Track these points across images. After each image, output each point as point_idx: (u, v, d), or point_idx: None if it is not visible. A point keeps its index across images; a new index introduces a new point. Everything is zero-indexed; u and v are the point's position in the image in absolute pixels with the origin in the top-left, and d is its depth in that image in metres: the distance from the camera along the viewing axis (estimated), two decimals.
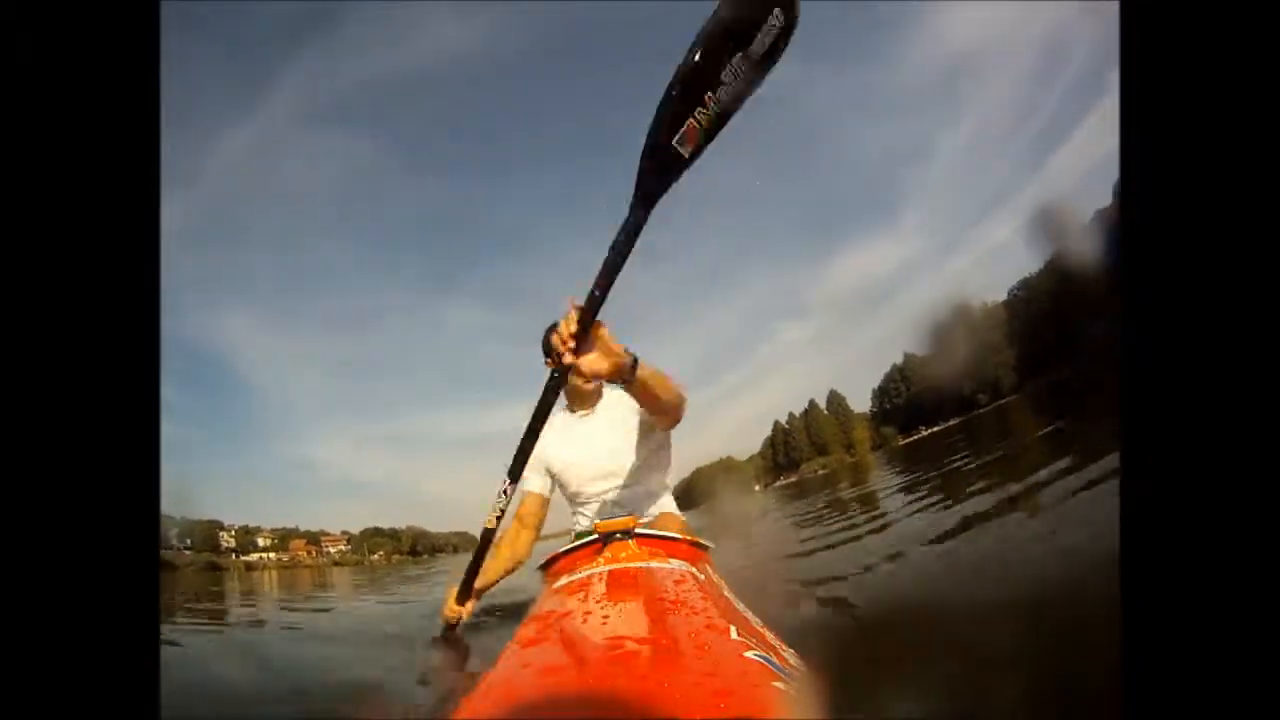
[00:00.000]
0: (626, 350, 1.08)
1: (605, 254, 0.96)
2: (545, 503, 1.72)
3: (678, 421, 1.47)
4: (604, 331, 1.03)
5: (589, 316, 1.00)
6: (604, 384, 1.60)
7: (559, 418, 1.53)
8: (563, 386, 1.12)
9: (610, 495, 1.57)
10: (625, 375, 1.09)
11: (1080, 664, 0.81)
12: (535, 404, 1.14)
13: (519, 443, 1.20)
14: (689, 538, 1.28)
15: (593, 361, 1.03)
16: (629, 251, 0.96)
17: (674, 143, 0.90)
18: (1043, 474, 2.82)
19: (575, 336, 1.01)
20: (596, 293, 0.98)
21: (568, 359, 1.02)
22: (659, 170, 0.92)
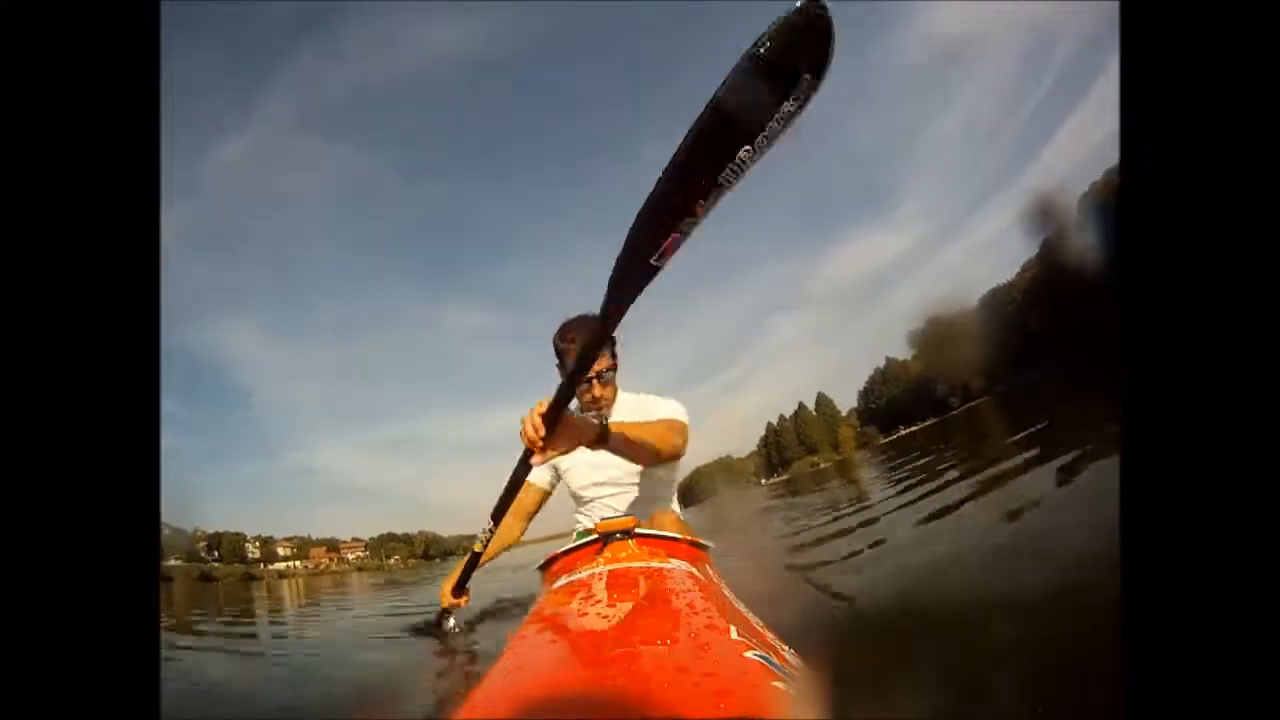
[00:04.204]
0: (595, 419, 1.02)
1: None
2: (544, 495, 1.68)
3: (678, 458, 1.42)
4: (572, 418, 0.95)
5: (557, 411, 0.91)
6: (618, 389, 1.54)
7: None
8: (529, 469, 1.04)
9: (613, 499, 1.53)
10: (594, 446, 1.01)
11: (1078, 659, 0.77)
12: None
13: (500, 495, 1.17)
14: (689, 537, 1.24)
15: (557, 445, 0.94)
16: (599, 349, 0.90)
17: (652, 261, 0.70)
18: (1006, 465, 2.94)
19: (546, 425, 0.92)
20: (565, 387, 0.90)
21: (535, 459, 0.96)
22: (631, 284, 0.73)
